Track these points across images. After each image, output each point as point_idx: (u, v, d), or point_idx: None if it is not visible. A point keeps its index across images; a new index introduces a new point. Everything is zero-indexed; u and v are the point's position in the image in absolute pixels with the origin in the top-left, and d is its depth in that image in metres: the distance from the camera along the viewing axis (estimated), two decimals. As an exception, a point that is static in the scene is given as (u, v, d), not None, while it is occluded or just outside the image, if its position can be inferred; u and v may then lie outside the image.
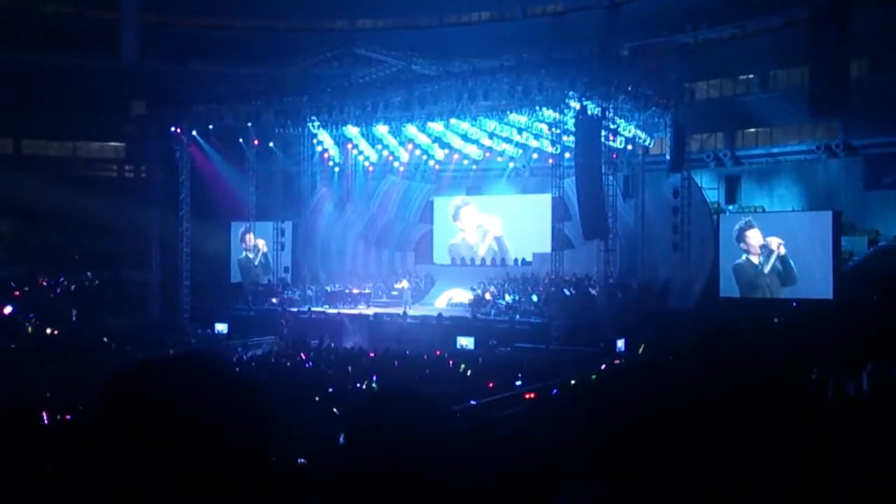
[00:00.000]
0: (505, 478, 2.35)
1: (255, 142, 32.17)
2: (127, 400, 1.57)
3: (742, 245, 26.88)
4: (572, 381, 15.37)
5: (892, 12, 29.04)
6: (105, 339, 24.44)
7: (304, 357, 21.74)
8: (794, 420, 2.98)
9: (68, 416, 10.36)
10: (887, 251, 28.09)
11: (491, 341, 25.42)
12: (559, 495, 1.92)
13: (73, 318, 29.53)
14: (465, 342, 25.40)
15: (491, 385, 16.67)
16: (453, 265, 36.12)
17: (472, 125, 29.76)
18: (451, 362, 20.25)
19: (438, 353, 21.84)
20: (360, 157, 35.16)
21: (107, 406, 1.57)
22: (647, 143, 29.81)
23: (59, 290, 34.09)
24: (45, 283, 34.20)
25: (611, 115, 25.62)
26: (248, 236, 33.98)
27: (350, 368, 18.59)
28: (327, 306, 31.68)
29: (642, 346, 21.50)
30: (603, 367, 17.62)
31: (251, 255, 34.50)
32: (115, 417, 1.55)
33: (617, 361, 20.02)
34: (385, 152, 34.30)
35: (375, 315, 29.50)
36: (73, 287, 34.19)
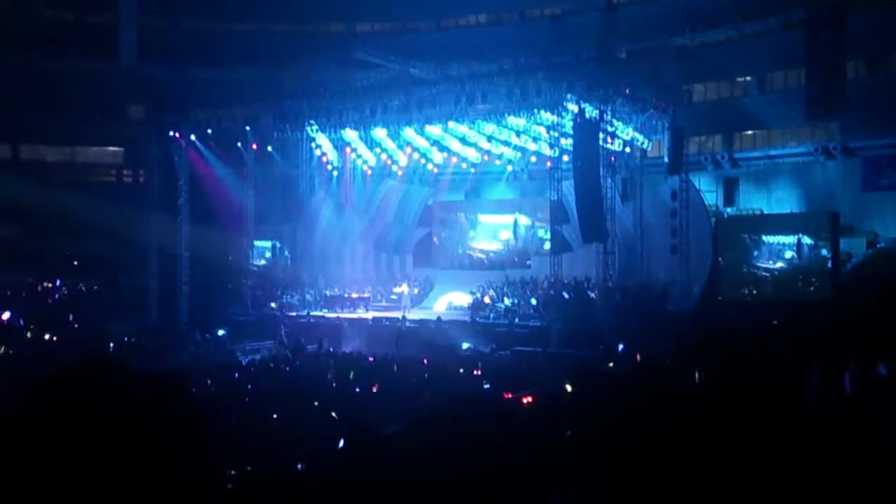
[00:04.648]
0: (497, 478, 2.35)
1: (254, 146, 32.14)
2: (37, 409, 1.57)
3: None
4: (567, 387, 15.30)
5: (889, 14, 29.08)
6: (110, 344, 24.41)
7: (303, 362, 21.71)
8: (786, 419, 2.98)
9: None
10: (886, 253, 28.09)
11: (490, 345, 25.41)
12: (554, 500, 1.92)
13: (74, 324, 29.46)
14: (466, 346, 25.42)
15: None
16: (453, 268, 36.16)
17: (471, 128, 29.78)
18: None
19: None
20: (359, 161, 35.17)
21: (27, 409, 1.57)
22: (645, 146, 29.82)
23: (57, 296, 34.05)
24: (43, 289, 34.15)
25: (609, 117, 25.63)
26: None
27: (351, 374, 18.56)
28: (326, 310, 31.65)
29: (638, 355, 21.43)
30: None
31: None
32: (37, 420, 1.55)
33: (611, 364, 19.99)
34: (384, 156, 34.29)
35: (374, 319, 29.47)
36: (71, 292, 34.15)
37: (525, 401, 14.84)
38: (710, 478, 1.98)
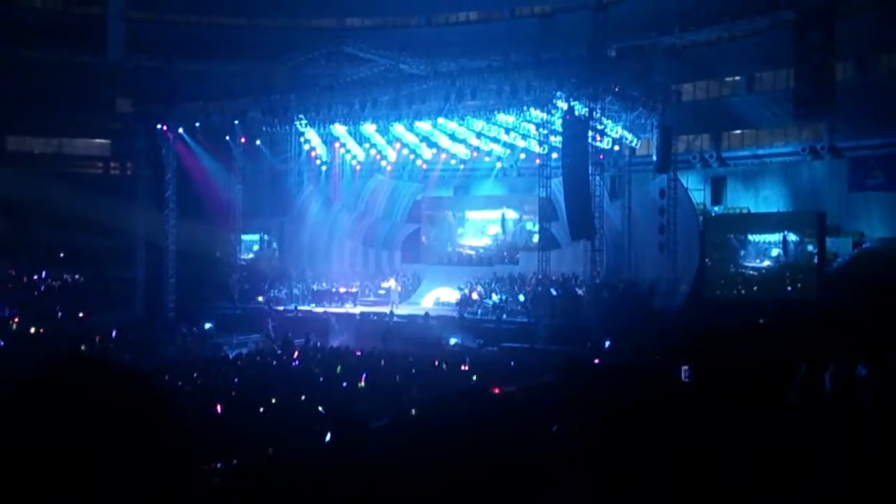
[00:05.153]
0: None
1: (242, 140, 32.01)
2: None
3: None
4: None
5: (877, 15, 29.26)
6: (95, 338, 24.27)
7: (290, 356, 21.68)
8: (768, 416, 3.02)
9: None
10: (871, 253, 28.29)
11: (478, 341, 25.44)
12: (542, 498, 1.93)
13: (59, 316, 29.31)
14: (454, 342, 25.45)
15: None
16: (442, 265, 36.18)
17: (460, 125, 29.75)
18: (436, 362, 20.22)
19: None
20: (348, 156, 35.08)
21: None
22: (633, 144, 29.91)
23: (43, 288, 33.86)
24: (28, 280, 33.95)
25: (598, 115, 25.69)
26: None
27: (339, 368, 18.53)
28: (314, 305, 31.61)
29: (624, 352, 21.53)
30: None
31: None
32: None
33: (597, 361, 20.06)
34: (372, 151, 34.22)
35: (362, 314, 29.45)
36: (57, 284, 33.96)
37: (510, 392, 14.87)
38: (693, 470, 2.00)
